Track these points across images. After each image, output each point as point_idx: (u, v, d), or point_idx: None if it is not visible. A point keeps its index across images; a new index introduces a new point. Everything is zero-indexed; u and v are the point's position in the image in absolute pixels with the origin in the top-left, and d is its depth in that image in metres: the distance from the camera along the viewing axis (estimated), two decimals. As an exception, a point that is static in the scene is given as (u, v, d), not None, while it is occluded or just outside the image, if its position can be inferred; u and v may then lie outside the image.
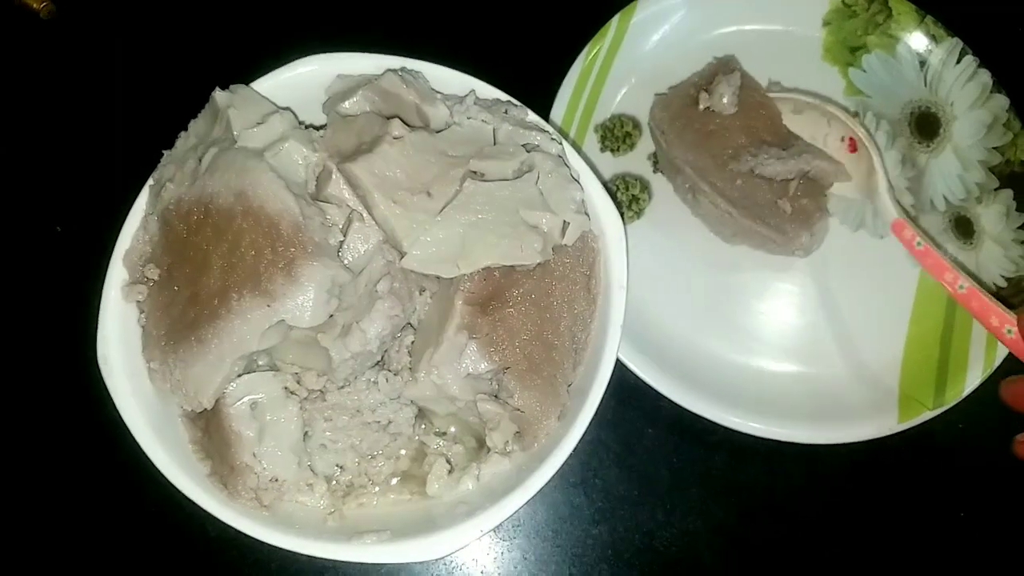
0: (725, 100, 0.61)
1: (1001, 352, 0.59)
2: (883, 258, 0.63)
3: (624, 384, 0.59)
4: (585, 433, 0.59)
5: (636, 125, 0.65)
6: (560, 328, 0.51)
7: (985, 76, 0.64)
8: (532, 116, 0.52)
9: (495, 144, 0.51)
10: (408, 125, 0.49)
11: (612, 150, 0.65)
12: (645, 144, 0.65)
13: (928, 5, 0.66)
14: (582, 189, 0.50)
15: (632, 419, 0.61)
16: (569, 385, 0.51)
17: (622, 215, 0.61)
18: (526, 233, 0.48)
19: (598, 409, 0.49)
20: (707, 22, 0.67)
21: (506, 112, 0.52)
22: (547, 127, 0.52)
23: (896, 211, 0.58)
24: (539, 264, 0.50)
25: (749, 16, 0.67)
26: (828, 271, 0.63)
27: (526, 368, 0.49)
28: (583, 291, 0.52)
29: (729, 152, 0.60)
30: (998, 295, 0.61)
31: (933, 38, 0.66)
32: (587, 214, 0.50)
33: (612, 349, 0.49)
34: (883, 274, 0.63)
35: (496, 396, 0.50)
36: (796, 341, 0.61)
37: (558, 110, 0.63)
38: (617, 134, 0.65)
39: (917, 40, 0.66)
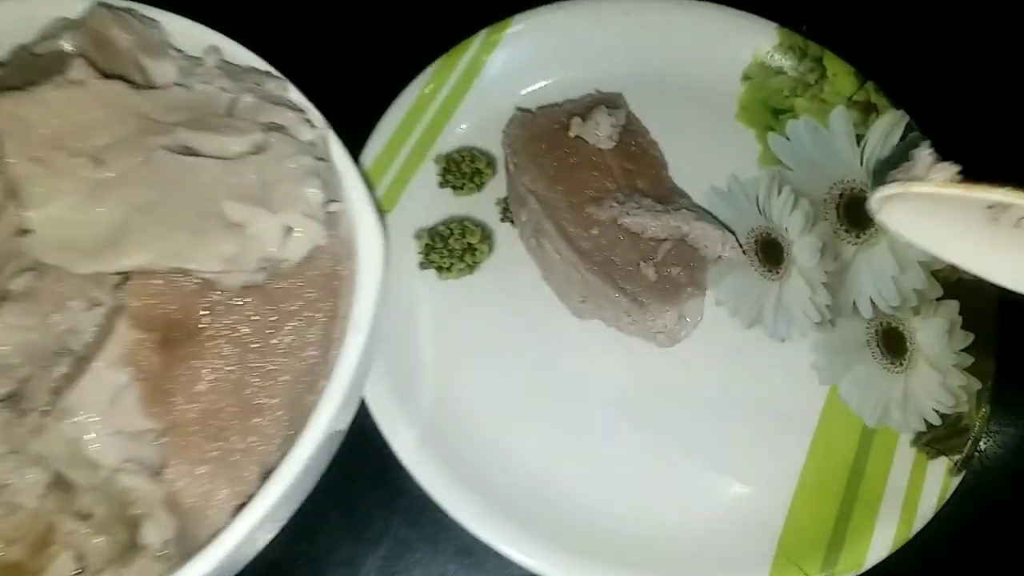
0: (601, 132, 0.48)
1: (924, 514, 0.43)
2: (780, 367, 0.48)
3: (405, 491, 0.42)
4: (336, 550, 0.43)
5: (490, 163, 0.52)
6: (277, 383, 0.36)
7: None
8: (295, 94, 0.39)
9: (227, 117, 0.37)
10: (107, 75, 0.36)
11: (454, 187, 0.51)
12: (497, 187, 0.51)
13: (871, 70, 0.54)
14: (326, 190, 0.36)
15: (406, 540, 0.44)
16: (269, 469, 0.35)
17: (448, 267, 0.47)
18: (217, 230, 0.33)
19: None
20: (600, 53, 0.54)
21: (258, 84, 0.38)
22: (310, 109, 0.38)
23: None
24: (258, 288, 0.36)
25: (651, 54, 0.54)
26: (705, 375, 0.47)
27: (199, 433, 0.34)
28: (321, 334, 0.37)
29: (591, 193, 0.46)
30: (926, 436, 0.45)
31: (874, 108, 0.53)
32: (325, 222, 0.36)
33: (321, 421, 0.34)
34: (778, 388, 0.47)
35: (160, 471, 0.34)
36: (648, 463, 0.45)
37: (387, 125, 0.50)
38: (464, 170, 0.51)
39: (855, 109, 0.53)
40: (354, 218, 0.37)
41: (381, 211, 0.46)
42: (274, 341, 0.36)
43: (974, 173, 0.50)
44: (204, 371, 0.35)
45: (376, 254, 0.36)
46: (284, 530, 0.36)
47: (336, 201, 0.37)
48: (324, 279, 0.37)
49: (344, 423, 0.37)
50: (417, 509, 0.43)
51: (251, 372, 0.35)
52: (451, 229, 0.50)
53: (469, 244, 0.49)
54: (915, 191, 0.31)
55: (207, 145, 0.35)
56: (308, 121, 0.37)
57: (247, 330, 0.35)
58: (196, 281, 0.34)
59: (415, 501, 0.43)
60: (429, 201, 0.50)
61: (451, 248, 0.49)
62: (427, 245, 0.49)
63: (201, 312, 0.35)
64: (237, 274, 0.35)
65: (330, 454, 0.38)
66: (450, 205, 0.51)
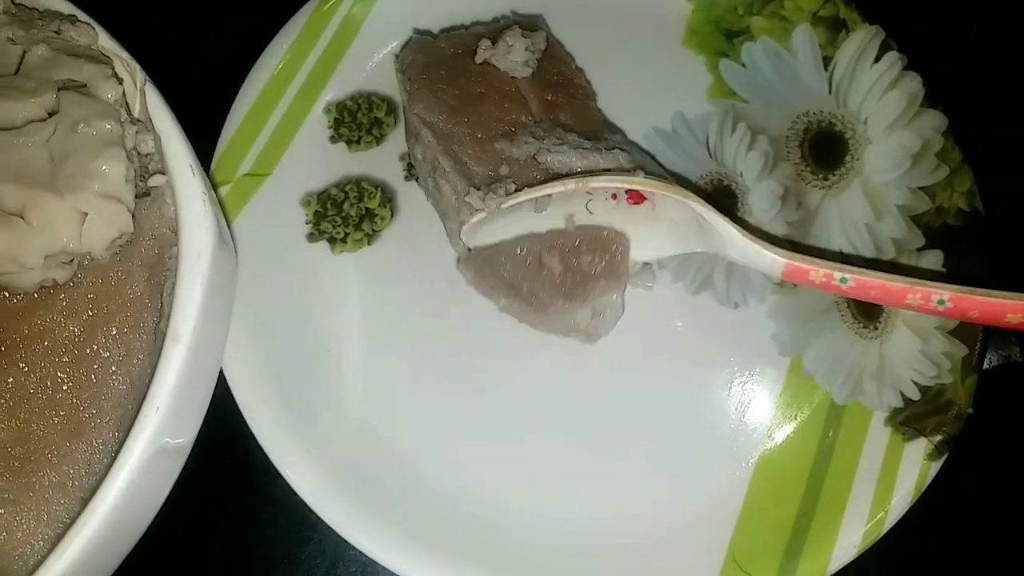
0: (515, 56, 0.40)
1: (899, 505, 0.37)
2: (733, 339, 0.41)
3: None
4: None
5: (392, 110, 0.44)
6: (101, 400, 0.29)
7: (914, 83, 0.43)
8: (106, 41, 0.31)
9: (16, 74, 0.30)
10: None
11: (349, 141, 0.44)
12: (399, 140, 0.44)
13: (840, -22, 0.45)
14: (136, 161, 0.29)
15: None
16: (86, 500, 0.29)
17: (342, 238, 0.40)
18: (-22, 223, 0.26)
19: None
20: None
21: (58, 32, 0.31)
22: (121, 57, 0.31)
23: (776, 252, 0.36)
24: (64, 288, 0.29)
25: (582, -27, 0.46)
26: (643, 352, 0.40)
27: (-11, 469, 0.27)
28: (150, 339, 0.30)
29: (501, 127, 0.39)
30: (903, 413, 0.39)
31: (844, 25, 0.45)
32: (136, 202, 0.29)
33: (133, 452, 0.27)
34: (731, 364, 0.41)
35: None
36: (578, 460, 0.39)
37: (261, 70, 0.42)
38: (361, 120, 0.44)
39: (821, 27, 0.45)
40: (179, 193, 0.30)
41: (217, 181, 0.39)
42: (90, 350, 0.29)
43: (956, 92, 0.43)
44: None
45: (202, 240, 0.29)
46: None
47: (159, 173, 0.30)
48: (148, 271, 0.30)
49: (183, 436, 0.31)
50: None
51: (64, 390, 0.29)
52: (346, 192, 0.42)
53: (368, 209, 0.42)
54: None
55: (-19, 111, 0.28)
56: (114, 75, 0.30)
57: (53, 339, 0.29)
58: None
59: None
60: (318, 160, 0.43)
61: (346, 215, 0.42)
62: (317, 212, 0.42)
63: (-13, 321, 0.28)
64: (28, 273, 0.28)
65: (171, 469, 0.32)
66: (344, 163, 0.43)
